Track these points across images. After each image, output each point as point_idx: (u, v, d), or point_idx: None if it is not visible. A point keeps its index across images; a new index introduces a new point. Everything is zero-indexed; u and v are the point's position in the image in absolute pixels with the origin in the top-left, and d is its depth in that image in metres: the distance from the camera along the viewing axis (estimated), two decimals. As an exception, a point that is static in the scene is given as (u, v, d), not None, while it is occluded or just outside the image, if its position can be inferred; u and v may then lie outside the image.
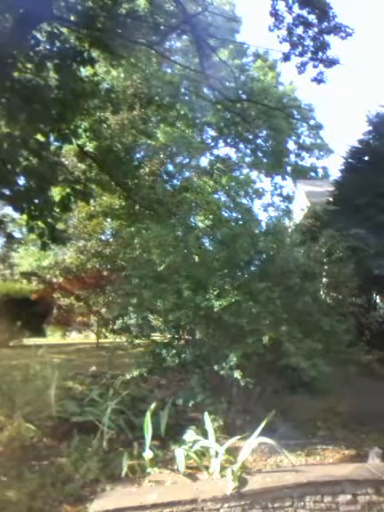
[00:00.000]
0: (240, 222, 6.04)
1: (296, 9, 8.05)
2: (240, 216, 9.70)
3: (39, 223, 7.11)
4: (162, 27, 9.97)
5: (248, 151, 23.58)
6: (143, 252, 5.43)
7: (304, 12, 8.05)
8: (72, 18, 7.84)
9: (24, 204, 6.83)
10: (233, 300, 4.20)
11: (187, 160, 20.33)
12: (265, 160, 22.92)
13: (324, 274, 5.44)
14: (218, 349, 4.51)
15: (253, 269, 5.21)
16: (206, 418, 4.14)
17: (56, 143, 8.02)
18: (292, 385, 5.14)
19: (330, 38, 8.25)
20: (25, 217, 7.12)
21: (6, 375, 6.20)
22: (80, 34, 7.97)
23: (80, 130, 9.40)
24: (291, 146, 24.09)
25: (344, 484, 3.44)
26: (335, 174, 11.64)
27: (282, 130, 20.88)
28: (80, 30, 7.89)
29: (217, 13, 14.15)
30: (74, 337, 14.76)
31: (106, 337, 11.39)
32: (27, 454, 4.05)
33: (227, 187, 21.54)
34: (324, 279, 5.49)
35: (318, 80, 8.85)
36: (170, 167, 18.75)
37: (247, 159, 23.84)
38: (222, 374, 4.15)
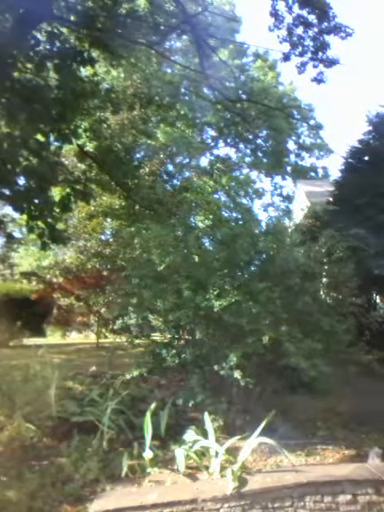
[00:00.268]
0: (240, 222, 6.04)
1: (296, 9, 8.06)
2: (240, 216, 9.71)
3: (39, 223, 7.11)
4: (162, 27, 9.97)
5: (248, 151, 23.60)
6: (143, 252, 5.44)
7: (304, 12, 8.05)
8: (72, 18, 7.84)
9: (24, 204, 6.83)
10: (233, 300, 4.20)
11: (187, 160, 20.34)
12: (265, 160, 22.93)
13: (324, 273, 5.44)
14: (218, 349, 4.51)
15: (253, 269, 5.20)
16: (206, 418, 4.14)
17: (56, 143, 8.02)
18: (292, 385, 5.14)
19: (329, 38, 8.26)
20: (25, 217, 7.12)
21: (6, 375, 6.20)
22: (80, 33, 7.97)
23: (80, 130, 9.40)
24: (291, 146, 24.12)
25: (344, 484, 3.44)
26: (335, 173, 11.65)
27: (281, 130, 20.88)
28: (80, 30, 7.90)
29: (217, 13, 14.16)
30: (74, 337, 14.75)
31: (105, 337, 11.39)
32: (27, 454, 4.05)
33: (227, 187, 21.55)
34: (324, 279, 5.49)
35: (318, 80, 8.85)
36: (170, 167, 18.77)
37: (247, 159, 23.86)
38: (222, 374, 4.15)
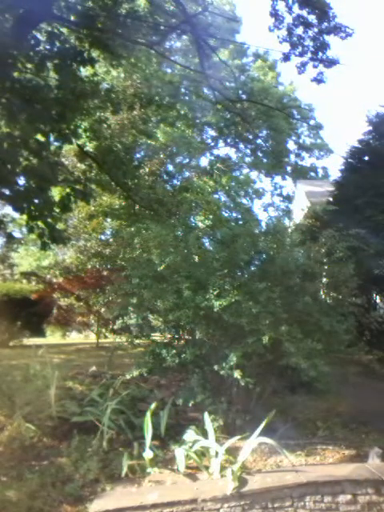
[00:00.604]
0: (240, 222, 6.03)
1: (296, 9, 8.08)
2: (240, 216, 9.71)
3: (39, 223, 7.12)
4: (162, 27, 9.97)
5: (248, 151, 23.63)
6: (143, 252, 5.43)
7: (304, 12, 8.07)
8: (72, 17, 7.85)
9: (24, 204, 6.84)
10: (233, 300, 4.19)
11: (187, 160, 20.36)
12: (265, 160, 22.96)
13: (324, 273, 5.44)
14: (218, 349, 4.51)
15: (253, 269, 5.20)
16: (206, 418, 4.14)
17: (56, 143, 8.03)
18: (292, 385, 5.15)
19: (329, 38, 8.27)
20: (25, 217, 7.12)
21: (6, 375, 6.20)
22: (80, 33, 7.98)
23: (80, 130, 9.41)
24: (291, 146, 24.17)
25: (344, 484, 3.44)
26: (335, 174, 11.66)
27: (281, 130, 20.92)
28: (80, 30, 7.90)
29: (217, 13, 14.17)
30: (74, 337, 14.73)
31: (105, 337, 11.38)
32: (27, 454, 4.05)
33: (227, 187, 21.57)
34: (324, 279, 5.48)
35: (318, 80, 8.86)
36: (170, 167, 18.78)
37: (247, 159, 23.90)
38: (222, 374, 4.15)
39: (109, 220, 15.27)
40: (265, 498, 3.31)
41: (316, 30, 8.19)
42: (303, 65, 8.72)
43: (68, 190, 7.57)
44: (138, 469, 3.73)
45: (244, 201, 23.03)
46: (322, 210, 9.29)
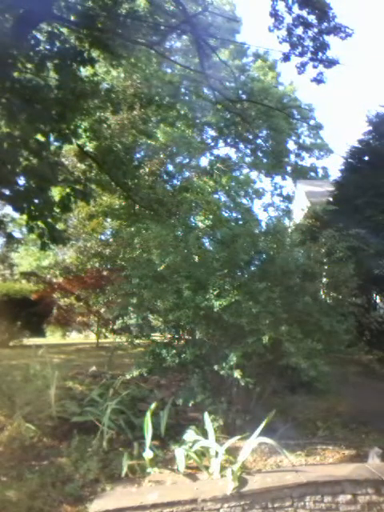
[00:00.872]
0: (240, 222, 6.03)
1: (296, 9, 8.09)
2: (240, 216, 9.71)
3: (39, 223, 7.12)
4: (162, 27, 9.97)
5: (248, 151, 23.63)
6: (143, 252, 5.43)
7: (304, 12, 8.07)
8: (72, 17, 7.86)
9: (24, 204, 6.84)
10: (233, 300, 4.19)
11: (187, 160, 20.36)
12: (265, 160, 22.96)
13: (324, 273, 5.44)
14: (218, 349, 4.51)
15: (253, 269, 5.19)
16: (206, 418, 4.14)
17: (56, 143, 8.04)
18: (292, 385, 5.15)
19: (329, 39, 8.28)
20: (25, 217, 7.13)
21: (6, 375, 6.20)
22: (80, 33, 7.98)
23: (80, 130, 9.42)
24: (291, 146, 24.17)
25: (344, 484, 3.44)
26: (335, 174, 11.66)
27: (281, 130, 20.92)
28: (80, 30, 7.90)
29: (217, 13, 14.17)
30: (74, 337, 14.73)
31: (105, 337, 11.37)
32: (27, 454, 4.04)
33: (227, 187, 21.57)
34: (324, 279, 5.48)
35: (318, 80, 8.86)
36: (170, 167, 18.78)
37: (247, 159, 23.90)
38: (222, 374, 4.15)
39: (109, 220, 15.29)
40: (265, 498, 3.31)
41: (316, 30, 8.20)
42: (303, 65, 8.72)
43: (68, 190, 7.58)
44: (137, 469, 3.73)
45: (244, 201, 23.06)
46: (322, 210, 9.29)
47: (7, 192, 6.75)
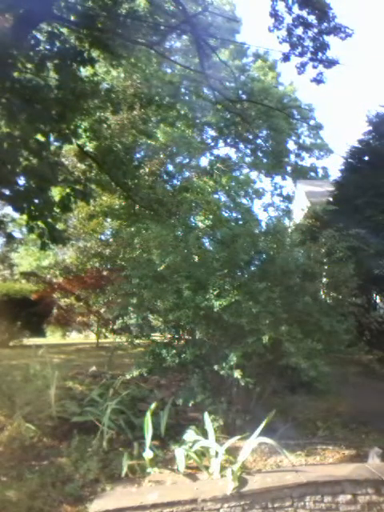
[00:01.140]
0: (240, 222, 6.03)
1: (296, 9, 8.09)
2: (240, 216, 9.68)
3: (39, 223, 7.12)
4: (162, 27, 9.97)
5: (248, 151, 23.64)
6: (143, 252, 5.43)
7: (304, 12, 8.07)
8: (72, 17, 7.85)
9: (24, 204, 6.84)
10: (233, 300, 4.19)
11: (187, 160, 20.36)
12: (265, 160, 22.97)
13: (324, 273, 5.44)
14: (218, 349, 4.51)
15: (253, 269, 5.20)
16: (206, 418, 4.14)
17: (56, 143, 8.04)
18: (292, 385, 5.14)
19: (329, 39, 8.28)
20: (25, 217, 7.13)
21: (6, 375, 6.20)
22: (80, 33, 7.98)
23: (80, 130, 9.42)
24: (291, 146, 24.17)
25: (344, 484, 3.44)
26: (335, 174, 11.66)
27: (281, 130, 20.92)
28: (80, 30, 7.91)
29: (217, 13, 14.17)
30: (74, 337, 14.73)
31: (105, 337, 11.37)
32: (27, 454, 4.04)
33: (227, 187, 21.56)
34: (324, 279, 5.48)
35: (318, 80, 8.87)
36: (170, 167, 18.79)
37: (247, 159, 23.90)
38: (222, 374, 4.15)
39: (109, 220, 15.28)
40: (265, 498, 3.31)
41: (316, 30, 8.20)
42: (303, 65, 8.72)
43: (68, 190, 7.57)
44: (137, 469, 3.73)
45: (244, 201, 23.05)
46: (322, 210, 9.29)
47: (7, 192, 6.75)
